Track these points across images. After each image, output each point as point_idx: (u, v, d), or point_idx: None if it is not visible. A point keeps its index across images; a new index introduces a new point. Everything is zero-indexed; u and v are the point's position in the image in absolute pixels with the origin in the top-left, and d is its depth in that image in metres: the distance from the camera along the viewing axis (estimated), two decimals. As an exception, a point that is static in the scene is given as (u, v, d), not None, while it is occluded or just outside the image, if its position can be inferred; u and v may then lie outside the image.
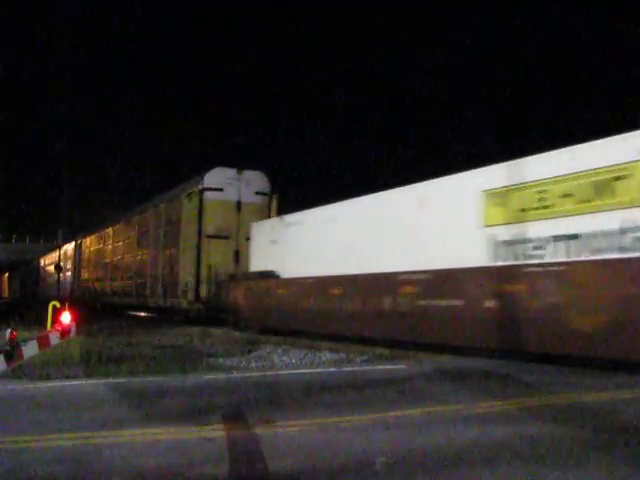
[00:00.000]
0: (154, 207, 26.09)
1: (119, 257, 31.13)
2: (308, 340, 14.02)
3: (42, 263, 54.00)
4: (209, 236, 20.76)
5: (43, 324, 12.97)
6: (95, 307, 31.94)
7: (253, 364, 10.38)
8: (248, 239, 19.61)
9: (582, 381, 8.34)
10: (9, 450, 4.86)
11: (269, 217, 20.72)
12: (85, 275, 39.05)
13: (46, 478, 4.23)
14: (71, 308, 11.96)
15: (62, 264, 44.99)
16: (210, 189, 20.88)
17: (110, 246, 33.03)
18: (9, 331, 9.40)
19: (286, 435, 5.35)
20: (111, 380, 8.45)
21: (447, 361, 10.68)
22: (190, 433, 5.43)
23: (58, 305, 13.00)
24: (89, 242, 38.59)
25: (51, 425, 5.70)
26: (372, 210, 14.26)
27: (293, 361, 10.76)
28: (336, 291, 14.73)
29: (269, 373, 9.43)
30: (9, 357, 9.07)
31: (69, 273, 43.38)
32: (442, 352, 11.50)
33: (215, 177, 21.10)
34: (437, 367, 9.91)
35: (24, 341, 9.22)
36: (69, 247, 43.74)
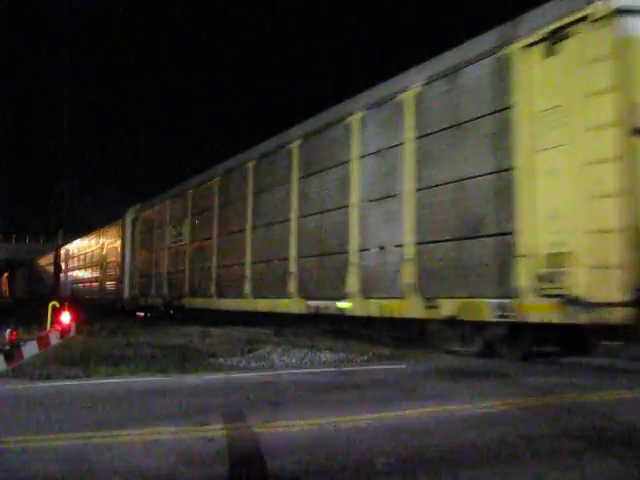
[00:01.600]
0: (340, 120, 14.15)
1: (238, 228, 18.70)
2: (308, 340, 14.01)
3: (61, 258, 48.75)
4: None
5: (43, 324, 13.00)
6: (175, 317, 23.26)
7: (253, 364, 10.39)
8: None
9: (582, 381, 8.33)
10: (9, 450, 4.87)
11: None
12: (149, 268, 26.66)
13: (46, 478, 4.23)
14: (71, 308, 11.99)
15: (66, 262, 43.91)
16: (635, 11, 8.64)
17: (215, 213, 20.51)
18: (8, 331, 9.45)
19: (286, 435, 5.35)
20: (111, 380, 8.45)
21: (447, 361, 10.68)
22: (190, 433, 5.43)
23: (58, 305, 13.03)
24: (152, 215, 26.57)
25: (51, 425, 5.70)
26: None
27: (293, 361, 10.75)
28: None
29: (269, 373, 9.43)
30: (9, 357, 9.12)
31: (111, 270, 32.48)
32: (442, 352, 11.49)
33: None
34: (437, 367, 9.90)
35: (24, 341, 9.24)
36: (108, 231, 33.66)
